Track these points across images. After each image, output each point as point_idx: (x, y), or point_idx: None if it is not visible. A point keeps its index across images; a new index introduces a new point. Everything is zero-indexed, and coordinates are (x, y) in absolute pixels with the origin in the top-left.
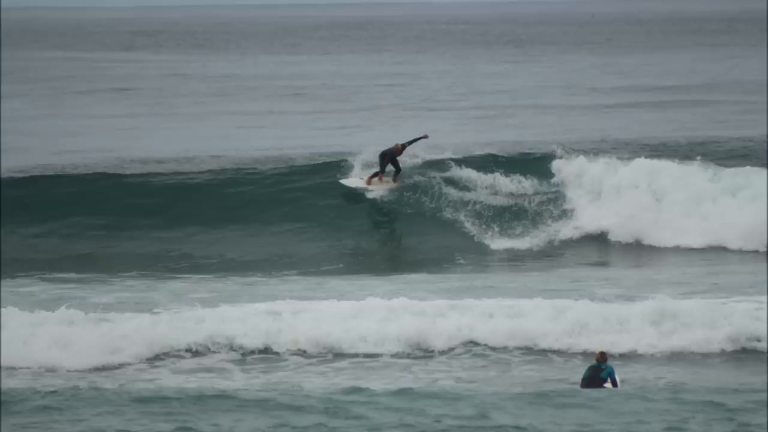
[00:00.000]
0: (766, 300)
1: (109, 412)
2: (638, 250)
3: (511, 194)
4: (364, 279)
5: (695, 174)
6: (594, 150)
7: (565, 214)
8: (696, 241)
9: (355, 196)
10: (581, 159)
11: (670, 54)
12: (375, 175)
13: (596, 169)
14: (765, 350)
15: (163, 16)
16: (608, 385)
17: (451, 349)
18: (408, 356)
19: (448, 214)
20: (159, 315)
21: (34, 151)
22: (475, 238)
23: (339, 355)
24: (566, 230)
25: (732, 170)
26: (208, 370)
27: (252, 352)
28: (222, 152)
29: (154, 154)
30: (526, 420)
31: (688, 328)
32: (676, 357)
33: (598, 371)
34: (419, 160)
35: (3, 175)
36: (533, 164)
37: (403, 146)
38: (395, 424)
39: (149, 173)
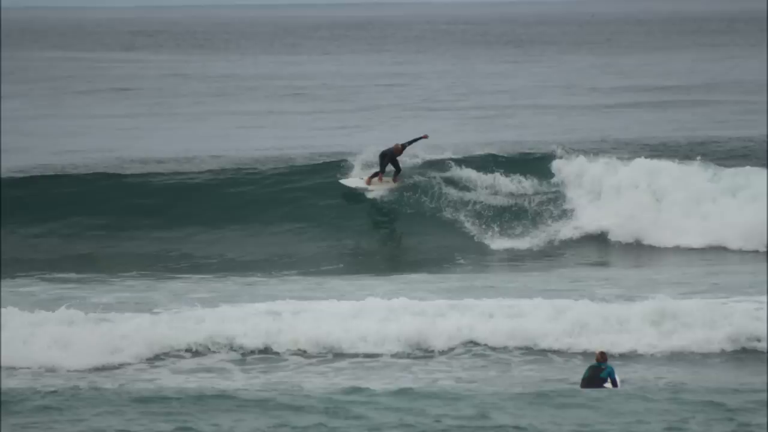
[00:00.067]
0: (766, 300)
1: (109, 412)
2: (638, 250)
3: (511, 194)
4: (364, 279)
5: (695, 174)
6: (594, 150)
7: (565, 214)
8: (696, 241)
9: (355, 196)
10: (581, 159)
11: (670, 54)
12: (375, 175)
13: (596, 169)
14: (765, 350)
15: (163, 16)
16: (608, 385)
17: (451, 349)
18: (408, 356)
19: (448, 214)
20: (159, 315)
21: (34, 151)
22: (475, 238)
23: (339, 355)
24: (566, 230)
25: (732, 170)
26: (208, 370)
27: (252, 352)
28: (222, 152)
29: (154, 154)
30: (526, 420)
31: (688, 328)
32: (676, 357)
33: (598, 371)
34: (419, 160)
35: (3, 175)
36: (533, 164)
37: (403, 146)
38: (395, 424)
39: (149, 173)
